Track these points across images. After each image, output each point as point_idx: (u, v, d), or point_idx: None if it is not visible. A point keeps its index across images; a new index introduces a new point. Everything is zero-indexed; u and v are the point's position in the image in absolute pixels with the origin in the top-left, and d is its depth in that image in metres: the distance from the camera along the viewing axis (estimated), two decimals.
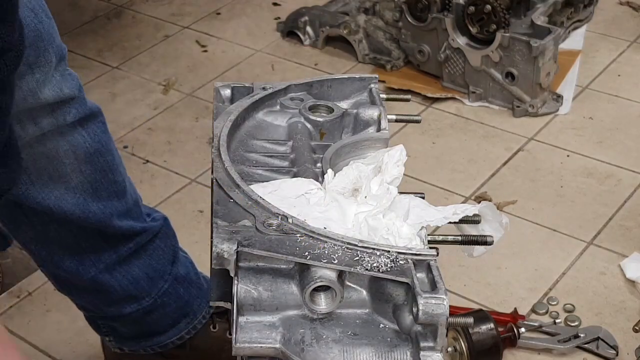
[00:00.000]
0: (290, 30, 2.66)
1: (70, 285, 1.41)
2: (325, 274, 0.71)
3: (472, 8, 2.29)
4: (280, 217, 0.76)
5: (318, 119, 0.92)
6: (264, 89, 0.95)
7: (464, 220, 0.82)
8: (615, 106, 2.37)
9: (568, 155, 2.17)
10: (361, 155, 0.89)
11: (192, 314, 1.48)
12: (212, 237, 0.74)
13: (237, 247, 0.72)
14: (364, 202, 0.81)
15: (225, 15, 2.82)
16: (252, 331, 0.73)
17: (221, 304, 0.75)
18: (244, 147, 0.90)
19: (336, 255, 0.72)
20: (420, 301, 0.68)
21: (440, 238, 0.83)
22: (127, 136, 2.26)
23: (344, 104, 0.96)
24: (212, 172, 0.83)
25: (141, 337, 1.48)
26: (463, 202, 2.00)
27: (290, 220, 0.75)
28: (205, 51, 2.64)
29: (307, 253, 0.72)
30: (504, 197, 2.02)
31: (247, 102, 0.93)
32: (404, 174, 0.83)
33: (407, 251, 0.73)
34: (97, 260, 1.35)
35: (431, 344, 0.70)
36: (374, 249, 0.73)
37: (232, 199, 0.79)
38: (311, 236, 0.73)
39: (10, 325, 1.73)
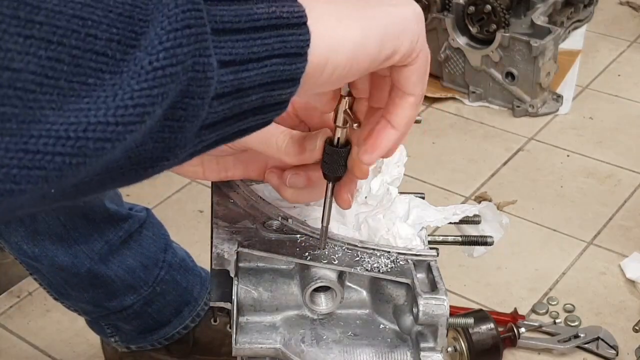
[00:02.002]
0: None
1: (68, 287, 1.41)
2: (326, 274, 0.71)
3: (472, 8, 2.29)
4: (280, 217, 0.76)
5: None
6: None
7: (464, 221, 0.82)
8: (615, 106, 2.37)
9: (568, 155, 2.17)
10: None
11: (193, 302, 1.50)
12: (212, 238, 0.74)
13: (237, 247, 0.72)
14: (364, 202, 0.81)
15: None
16: (252, 332, 0.73)
17: (221, 304, 0.75)
18: None
19: (336, 255, 0.72)
20: (421, 302, 0.68)
21: (441, 238, 0.83)
22: None
23: None
24: None
25: (146, 331, 1.49)
26: (463, 202, 2.00)
27: (290, 221, 0.75)
28: None
29: (307, 254, 0.72)
30: (504, 197, 2.02)
31: None
32: (404, 174, 0.83)
33: (408, 252, 0.73)
34: (90, 251, 1.37)
35: (431, 345, 0.70)
36: (374, 249, 0.73)
37: (232, 199, 0.79)
38: (311, 237, 0.73)
39: (10, 325, 1.73)
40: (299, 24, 0.52)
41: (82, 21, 0.42)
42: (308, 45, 0.53)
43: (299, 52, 0.53)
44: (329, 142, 0.68)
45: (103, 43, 0.43)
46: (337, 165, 0.68)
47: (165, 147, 0.48)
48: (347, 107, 0.65)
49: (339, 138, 0.67)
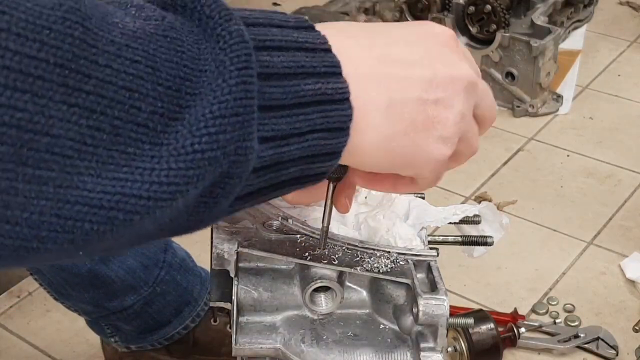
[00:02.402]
0: None
1: (68, 287, 1.41)
2: (326, 274, 0.71)
3: (472, 8, 2.29)
4: (280, 217, 0.76)
5: None
6: None
7: (464, 221, 0.81)
8: (615, 106, 2.37)
9: (568, 155, 2.17)
10: None
11: (193, 302, 1.49)
12: (212, 238, 0.74)
13: (237, 247, 0.72)
14: (364, 202, 0.81)
15: None
16: (252, 332, 0.73)
17: (221, 304, 0.75)
18: None
19: (336, 256, 0.72)
20: (421, 302, 0.68)
21: (441, 238, 0.83)
22: None
23: None
24: None
25: (146, 331, 1.49)
26: (463, 202, 2.00)
27: (290, 221, 0.75)
28: None
29: (307, 254, 0.72)
30: (504, 197, 2.02)
31: None
32: None
33: (408, 252, 0.73)
34: None
35: (431, 345, 0.70)
36: (374, 249, 0.73)
37: None
38: (311, 237, 0.73)
39: (10, 325, 1.73)
40: (342, 99, 0.52)
41: (130, 93, 0.42)
42: (351, 120, 0.52)
43: (342, 127, 0.52)
44: None
45: (146, 115, 0.43)
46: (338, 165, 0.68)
47: (198, 219, 0.48)
48: None
49: None
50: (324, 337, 0.73)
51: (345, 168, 0.69)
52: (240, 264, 0.73)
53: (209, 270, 0.75)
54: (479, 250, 0.85)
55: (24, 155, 0.39)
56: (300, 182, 0.54)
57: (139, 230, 0.45)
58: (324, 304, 0.73)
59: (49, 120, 0.40)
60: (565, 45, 2.53)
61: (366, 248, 0.73)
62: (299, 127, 0.50)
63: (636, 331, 1.65)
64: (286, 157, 0.50)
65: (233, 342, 0.72)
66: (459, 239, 0.83)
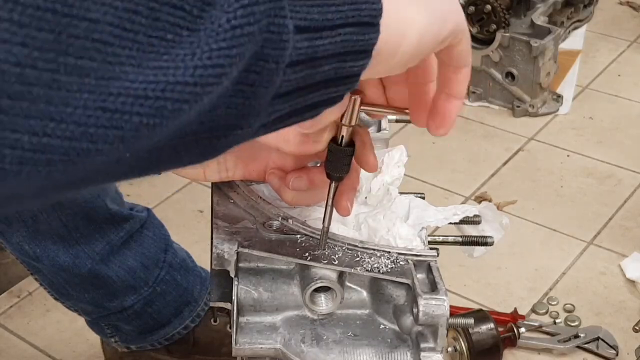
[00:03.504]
0: None
1: (69, 287, 1.41)
2: (326, 274, 0.71)
3: (472, 8, 2.29)
4: (280, 217, 0.76)
5: None
6: None
7: (464, 221, 0.81)
8: (615, 106, 2.37)
9: (568, 155, 2.18)
10: None
11: (193, 302, 1.50)
12: (212, 238, 0.74)
13: (238, 247, 0.72)
14: (364, 202, 0.81)
15: None
16: (253, 332, 0.73)
17: (221, 304, 0.75)
18: None
19: (336, 256, 0.72)
20: (421, 302, 0.68)
21: (441, 239, 0.83)
22: None
23: None
24: None
25: (147, 331, 1.49)
26: (463, 202, 2.00)
27: (290, 221, 0.75)
28: None
29: (307, 254, 0.72)
30: (504, 197, 2.02)
31: None
32: (404, 174, 0.83)
33: (408, 252, 0.73)
34: (91, 252, 1.37)
35: (431, 345, 0.70)
36: (374, 249, 0.73)
37: (232, 199, 0.79)
38: (311, 237, 0.73)
39: (10, 325, 1.73)
40: None
41: None
42: (380, 15, 0.52)
43: (372, 22, 0.52)
44: (332, 141, 0.68)
45: None
46: (341, 164, 0.69)
47: (237, 113, 0.46)
48: (355, 106, 0.65)
49: (343, 137, 0.68)
50: (324, 337, 0.73)
51: (348, 167, 0.69)
52: (240, 264, 0.73)
53: (209, 270, 0.75)
54: (479, 250, 0.85)
55: (64, 42, 0.38)
56: (336, 83, 0.53)
57: (183, 122, 0.43)
58: (324, 304, 0.73)
59: (83, 3, 0.38)
60: (565, 45, 2.53)
61: (366, 248, 0.73)
62: (331, 19, 0.50)
63: (636, 331, 1.65)
64: (320, 52, 0.50)
65: (233, 342, 0.72)
66: (459, 239, 0.84)
